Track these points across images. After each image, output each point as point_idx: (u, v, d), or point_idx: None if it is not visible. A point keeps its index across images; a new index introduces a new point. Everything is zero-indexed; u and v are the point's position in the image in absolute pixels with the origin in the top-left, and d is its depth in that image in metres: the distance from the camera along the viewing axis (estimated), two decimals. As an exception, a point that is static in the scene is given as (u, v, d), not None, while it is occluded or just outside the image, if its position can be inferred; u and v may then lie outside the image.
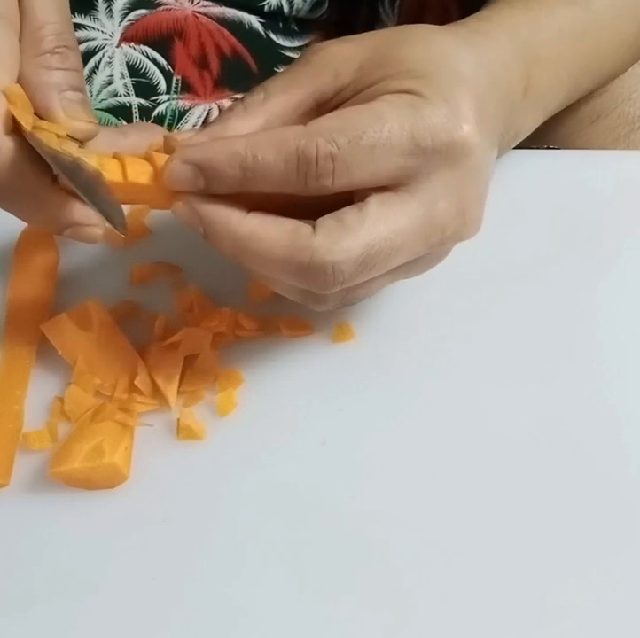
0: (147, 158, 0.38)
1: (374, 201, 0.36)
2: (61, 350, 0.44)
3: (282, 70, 0.41)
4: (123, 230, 0.37)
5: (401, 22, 0.63)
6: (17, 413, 0.43)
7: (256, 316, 0.45)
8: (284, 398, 0.43)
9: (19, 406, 0.43)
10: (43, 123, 0.37)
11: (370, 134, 0.35)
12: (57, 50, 0.38)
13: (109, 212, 0.36)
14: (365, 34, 0.41)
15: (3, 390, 0.44)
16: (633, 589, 0.37)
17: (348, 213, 0.36)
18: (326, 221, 0.36)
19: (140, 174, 0.38)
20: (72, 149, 0.36)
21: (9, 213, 0.41)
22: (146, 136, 0.41)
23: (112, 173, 0.37)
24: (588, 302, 0.46)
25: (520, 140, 0.46)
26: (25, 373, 0.44)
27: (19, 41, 0.38)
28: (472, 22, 0.43)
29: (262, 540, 0.39)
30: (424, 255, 0.39)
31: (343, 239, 0.36)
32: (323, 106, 0.39)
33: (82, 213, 0.37)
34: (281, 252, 0.36)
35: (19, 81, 0.37)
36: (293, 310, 0.45)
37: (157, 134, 0.41)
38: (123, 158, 0.38)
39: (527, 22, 0.44)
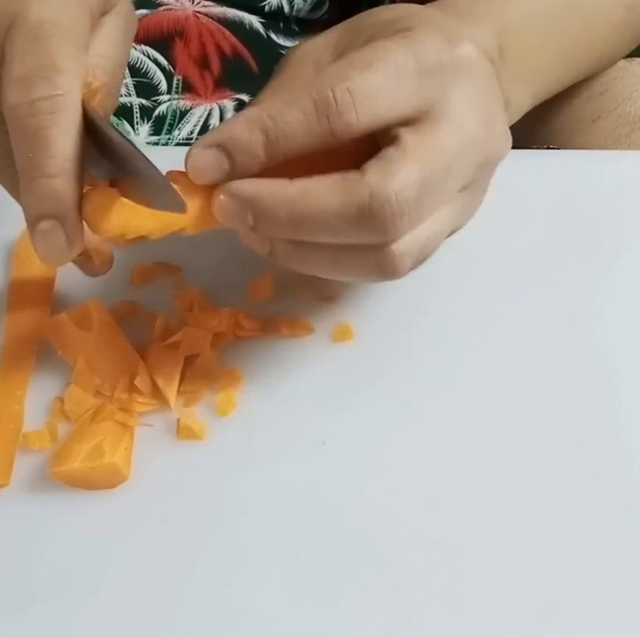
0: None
1: (406, 134, 0.35)
2: (61, 350, 0.44)
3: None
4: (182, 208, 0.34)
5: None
6: (17, 413, 0.43)
7: (256, 316, 0.45)
8: (284, 398, 0.43)
9: (19, 406, 0.43)
10: None
11: (379, 63, 0.35)
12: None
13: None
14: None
15: (3, 390, 0.44)
16: (633, 589, 0.37)
17: (387, 151, 0.35)
18: (370, 163, 0.35)
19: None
20: None
21: (9, 214, 0.41)
22: None
23: None
24: (588, 302, 0.46)
25: (514, 116, 0.46)
26: (25, 373, 0.44)
27: None
28: (434, 4, 0.44)
29: (262, 540, 0.39)
30: (471, 183, 0.38)
31: (395, 169, 0.34)
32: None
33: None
34: (338, 198, 0.34)
35: None
36: (293, 310, 0.45)
37: None
38: None
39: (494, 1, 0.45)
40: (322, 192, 0.34)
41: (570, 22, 0.48)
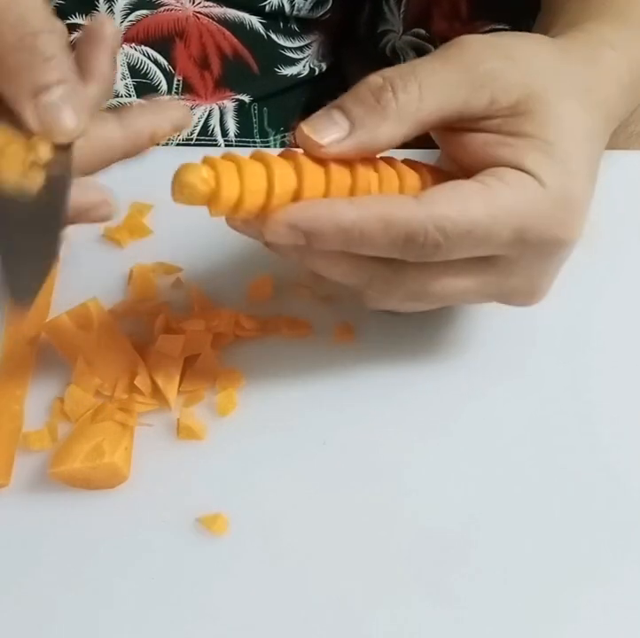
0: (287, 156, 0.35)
1: None
2: (61, 350, 0.44)
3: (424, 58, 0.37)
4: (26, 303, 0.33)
5: (407, 21, 0.63)
6: (17, 413, 0.43)
7: (256, 316, 0.45)
8: (284, 398, 0.43)
9: (19, 406, 0.43)
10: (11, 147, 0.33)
11: (480, 229, 0.35)
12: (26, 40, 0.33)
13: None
14: (528, 50, 0.39)
15: (3, 390, 0.44)
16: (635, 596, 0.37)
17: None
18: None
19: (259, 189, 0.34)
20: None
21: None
22: (150, 120, 0.38)
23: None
24: (588, 303, 0.46)
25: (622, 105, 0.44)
26: (25, 373, 0.44)
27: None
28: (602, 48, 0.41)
29: (262, 540, 0.39)
30: (502, 258, 0.38)
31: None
32: (465, 121, 0.37)
33: None
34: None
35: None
36: (293, 310, 0.46)
37: (167, 113, 0.38)
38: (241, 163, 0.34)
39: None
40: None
41: None
